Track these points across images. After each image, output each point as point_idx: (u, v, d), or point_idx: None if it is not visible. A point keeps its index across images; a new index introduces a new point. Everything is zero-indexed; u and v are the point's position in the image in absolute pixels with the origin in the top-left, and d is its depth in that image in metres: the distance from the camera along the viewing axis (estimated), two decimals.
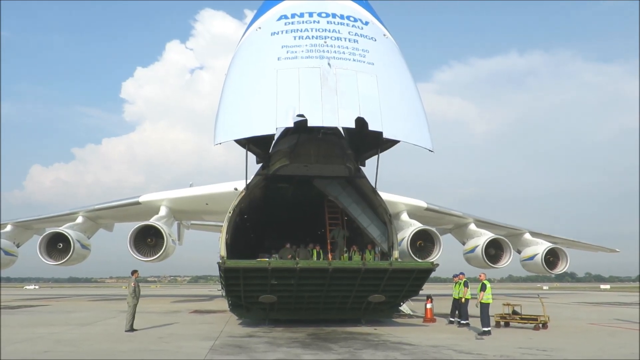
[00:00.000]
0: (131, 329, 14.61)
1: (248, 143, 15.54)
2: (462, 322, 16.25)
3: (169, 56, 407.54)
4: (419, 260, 26.60)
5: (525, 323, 16.13)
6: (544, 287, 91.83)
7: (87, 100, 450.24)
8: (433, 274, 15.98)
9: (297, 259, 18.57)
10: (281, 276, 14.72)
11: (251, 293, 15.14)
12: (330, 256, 18.94)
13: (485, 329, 14.03)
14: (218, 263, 14.62)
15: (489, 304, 14.70)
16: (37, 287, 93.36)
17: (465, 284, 16.74)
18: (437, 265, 15.66)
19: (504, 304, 17.44)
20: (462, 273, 17.66)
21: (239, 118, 13.36)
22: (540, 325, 15.53)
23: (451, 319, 17.01)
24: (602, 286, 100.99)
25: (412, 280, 15.53)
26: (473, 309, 15.60)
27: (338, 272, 14.69)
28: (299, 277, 14.52)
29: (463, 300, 16.46)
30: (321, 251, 19.34)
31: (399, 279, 15.42)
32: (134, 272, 15.92)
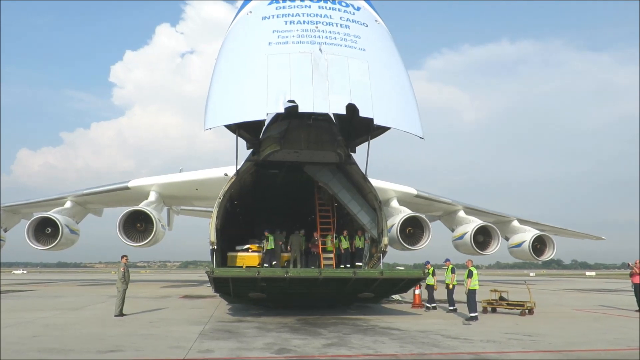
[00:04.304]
0: (120, 314, 14.61)
1: (238, 128, 15.45)
2: (450, 308, 16.44)
3: (159, 40, 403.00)
4: (411, 248, 26.98)
5: (511, 309, 16.36)
6: (531, 274, 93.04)
7: (75, 84, 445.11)
8: (421, 261, 16.21)
9: (289, 244, 18.66)
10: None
11: (241, 291, 15.11)
12: (319, 242, 18.97)
13: (472, 314, 14.21)
14: (206, 272, 14.31)
15: (475, 290, 14.87)
16: (25, 272, 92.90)
17: (452, 271, 16.88)
18: (428, 274, 15.74)
19: (491, 290, 17.63)
20: (448, 260, 17.81)
21: (230, 103, 13.25)
22: (527, 311, 15.76)
23: (450, 307, 16.88)
24: (588, 273, 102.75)
25: (401, 286, 15.75)
26: (460, 295, 15.77)
27: (328, 280, 14.45)
28: (288, 283, 14.23)
29: (450, 286, 16.63)
30: (305, 237, 19.30)
31: (388, 283, 15.42)
32: (123, 257, 15.87)
